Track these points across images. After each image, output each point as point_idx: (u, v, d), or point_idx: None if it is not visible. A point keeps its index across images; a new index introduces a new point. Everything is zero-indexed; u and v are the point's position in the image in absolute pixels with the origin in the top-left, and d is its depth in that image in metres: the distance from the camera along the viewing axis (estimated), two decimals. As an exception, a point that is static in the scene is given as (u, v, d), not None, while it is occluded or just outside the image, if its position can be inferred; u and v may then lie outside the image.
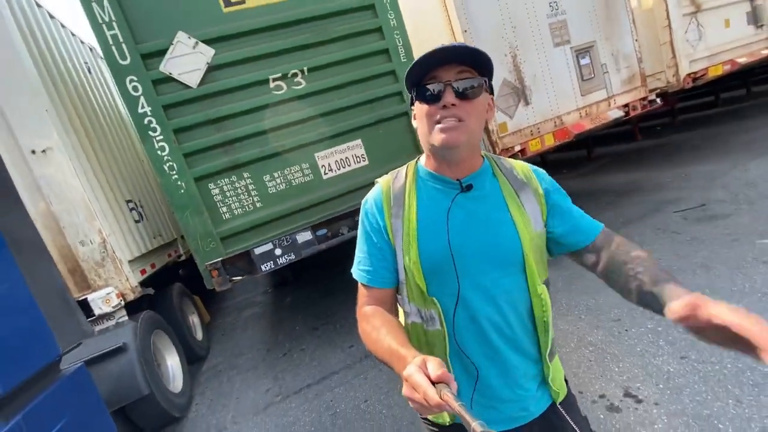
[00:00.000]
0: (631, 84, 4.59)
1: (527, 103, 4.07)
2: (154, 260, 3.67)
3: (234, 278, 2.95)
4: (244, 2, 3.03)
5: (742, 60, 5.07)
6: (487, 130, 3.98)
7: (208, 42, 2.93)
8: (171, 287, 3.96)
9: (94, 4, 2.67)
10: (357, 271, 0.89)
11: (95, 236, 2.80)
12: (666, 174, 5.04)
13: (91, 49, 4.31)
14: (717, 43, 5.10)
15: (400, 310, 0.93)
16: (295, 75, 3.15)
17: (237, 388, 3.22)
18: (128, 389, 2.48)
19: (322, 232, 3.14)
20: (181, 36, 2.86)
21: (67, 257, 2.72)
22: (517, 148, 3.92)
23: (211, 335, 4.63)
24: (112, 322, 2.74)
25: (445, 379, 0.54)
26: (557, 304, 2.83)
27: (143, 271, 3.27)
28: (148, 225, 3.83)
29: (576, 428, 0.87)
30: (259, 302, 5.49)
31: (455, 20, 3.76)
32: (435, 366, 0.56)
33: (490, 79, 0.80)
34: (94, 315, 2.68)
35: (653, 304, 0.70)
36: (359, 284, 0.89)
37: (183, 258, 4.51)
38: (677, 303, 0.62)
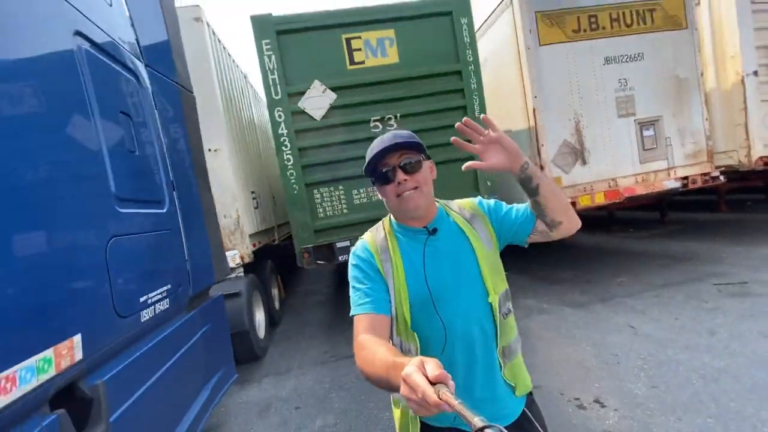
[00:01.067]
0: (696, 159, 4.86)
1: (584, 163, 4.61)
2: (260, 239, 4.84)
3: (318, 261, 3.93)
4: (363, 63, 4.11)
5: (827, 151, 5.02)
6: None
7: (333, 89, 4.04)
8: (266, 262, 5.10)
9: (265, 57, 3.92)
10: (357, 307, 0.96)
11: (233, 213, 3.98)
12: (729, 249, 5.10)
13: (245, 76, 5.79)
14: (802, 130, 5.11)
15: None
16: (390, 119, 4.14)
17: (302, 347, 4.16)
18: (238, 322, 3.54)
19: (388, 240, 4.01)
20: (316, 83, 4.00)
21: (214, 224, 3.92)
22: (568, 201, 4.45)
23: (284, 309, 5.71)
24: (233, 275, 3.86)
25: (443, 379, 0.55)
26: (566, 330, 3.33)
27: (254, 245, 4.41)
28: (260, 212, 5.04)
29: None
30: (324, 293, 6.52)
31: (529, 88, 4.49)
32: (433, 366, 0.57)
33: (425, 151, 1.01)
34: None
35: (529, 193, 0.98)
36: (356, 320, 0.94)
37: (276, 242, 5.69)
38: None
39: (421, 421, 0.99)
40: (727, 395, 2.24)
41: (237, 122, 4.82)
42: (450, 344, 0.95)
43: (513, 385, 1.01)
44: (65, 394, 1.35)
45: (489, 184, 4.32)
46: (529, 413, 1.03)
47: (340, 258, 3.96)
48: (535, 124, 4.52)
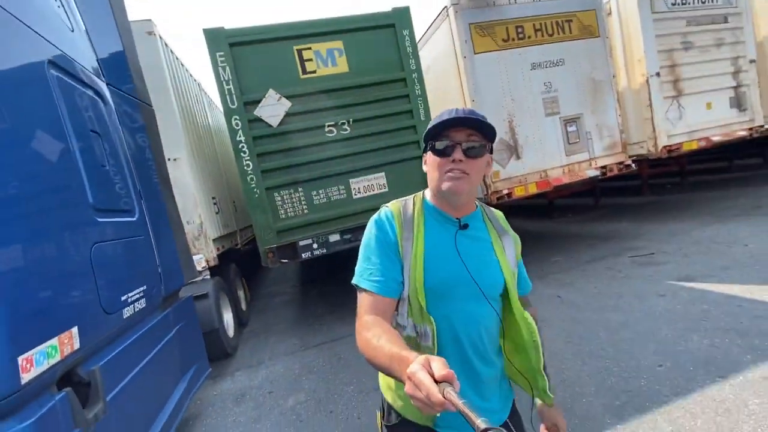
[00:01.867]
0: (612, 150, 5.60)
1: (518, 158, 5.18)
2: (224, 243, 4.99)
3: (282, 260, 4.19)
4: (315, 72, 4.40)
5: (717, 138, 5.95)
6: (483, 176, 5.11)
7: (288, 97, 4.30)
8: (230, 266, 5.26)
9: (219, 68, 4.11)
10: (365, 281, 0.91)
11: (196, 218, 4.14)
12: (645, 227, 5.91)
13: (198, 84, 5.87)
14: (697, 122, 6.01)
15: None
16: (343, 123, 4.46)
17: (271, 342, 4.40)
18: (208, 321, 3.73)
19: (347, 236, 4.34)
20: (271, 92, 4.24)
21: (177, 231, 4.05)
22: (505, 192, 5.01)
23: (251, 310, 5.88)
24: (200, 278, 4.03)
25: (449, 378, 0.54)
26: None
27: (218, 249, 4.58)
28: (222, 217, 5.18)
29: None
30: (289, 293, 6.73)
31: (467, 92, 4.99)
32: (439, 365, 0.56)
33: (492, 143, 0.95)
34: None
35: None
36: (362, 295, 0.91)
37: (239, 246, 5.84)
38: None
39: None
40: (624, 342, 2.79)
41: (194, 130, 4.94)
42: (456, 339, 0.93)
43: (550, 402, 1.05)
44: (67, 378, 1.58)
45: (436, 180, 4.75)
46: (510, 423, 1.05)
47: (303, 255, 4.23)
48: (475, 124, 5.02)
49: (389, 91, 4.60)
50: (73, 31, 2.34)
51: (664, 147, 5.82)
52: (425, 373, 0.55)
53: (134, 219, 2.42)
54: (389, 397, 1.02)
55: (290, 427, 2.61)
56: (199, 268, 3.96)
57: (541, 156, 5.26)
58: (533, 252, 5.85)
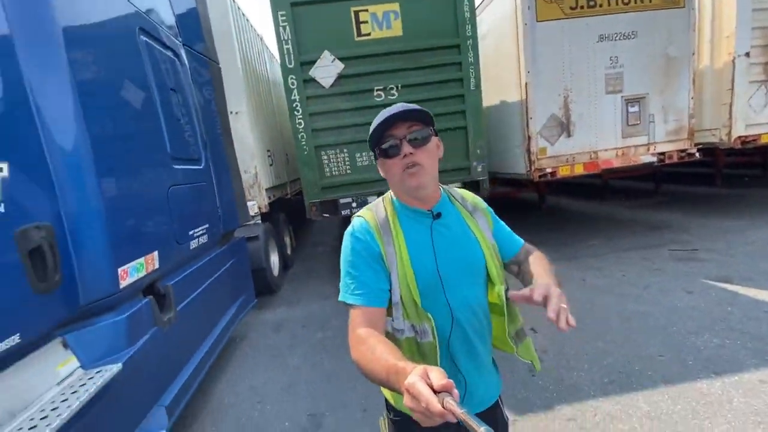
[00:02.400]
0: (677, 135, 5.21)
1: (569, 136, 5.02)
2: (275, 193, 5.48)
3: (324, 214, 4.58)
4: (369, 35, 4.49)
5: (807, 132, 5.29)
6: (528, 150, 5.05)
7: (341, 59, 4.46)
8: (279, 214, 5.79)
9: (280, 27, 4.33)
10: (350, 296, 0.91)
11: (252, 169, 4.60)
12: (699, 221, 5.57)
13: (261, 39, 6.15)
14: (786, 111, 5.35)
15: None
16: (391, 88, 4.57)
17: (310, 286, 4.93)
18: (257, 260, 4.28)
19: (385, 198, 4.61)
20: (326, 53, 4.43)
21: (235, 178, 4.55)
22: (548, 170, 4.94)
23: (295, 256, 6.48)
24: (252, 222, 4.55)
25: (448, 388, 0.54)
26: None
27: (270, 198, 5.07)
28: (275, 168, 5.64)
29: (506, 417, 1.10)
30: (330, 245, 7.26)
31: (523, 63, 4.83)
32: (438, 375, 0.56)
33: (434, 125, 0.95)
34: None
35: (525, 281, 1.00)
36: (350, 310, 0.90)
37: (288, 197, 6.35)
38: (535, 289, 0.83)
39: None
40: (633, 330, 2.89)
41: (255, 85, 5.30)
42: (450, 330, 0.95)
43: (531, 361, 1.05)
44: (149, 289, 2.05)
45: (478, 152, 4.79)
46: (500, 400, 1.09)
47: (342, 212, 4.59)
48: (526, 97, 4.90)
49: (441, 57, 4.59)
50: (157, -4, 2.66)
51: (739, 137, 5.30)
52: (423, 384, 0.55)
53: (201, 167, 2.84)
54: (388, 395, 1.04)
55: (317, 355, 3.09)
56: (252, 213, 4.47)
57: (594, 136, 5.05)
58: (571, 233, 5.79)
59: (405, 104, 0.91)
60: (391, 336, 0.96)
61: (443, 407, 0.52)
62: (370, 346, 0.78)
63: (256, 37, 5.96)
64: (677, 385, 2.22)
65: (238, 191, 3.75)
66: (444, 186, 1.06)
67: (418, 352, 0.94)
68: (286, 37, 4.35)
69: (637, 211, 6.89)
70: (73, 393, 1.39)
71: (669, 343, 2.66)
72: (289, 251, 6.07)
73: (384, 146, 0.92)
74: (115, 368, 1.56)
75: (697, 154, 5.25)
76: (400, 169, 0.91)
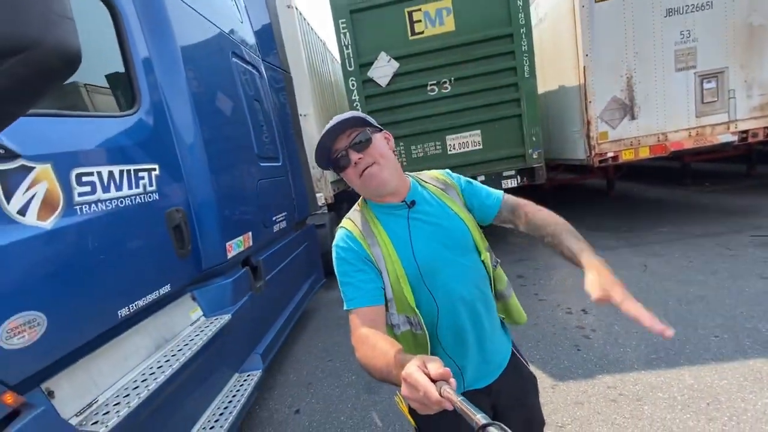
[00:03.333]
0: (762, 111, 4.74)
1: (633, 118, 4.83)
2: (338, 186, 5.99)
3: (383, 203, 4.97)
4: (423, 33, 4.74)
5: None
6: (587, 135, 4.95)
7: (397, 58, 4.77)
8: (343, 204, 6.30)
9: (341, 34, 4.75)
10: (349, 302, 0.94)
11: (319, 164, 5.12)
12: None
13: (323, 44, 6.68)
14: None
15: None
16: (444, 82, 4.79)
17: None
18: (325, 245, 4.81)
19: (440, 187, 4.87)
20: (382, 54, 4.77)
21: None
22: (610, 155, 4.82)
23: (358, 243, 6.99)
24: (320, 211, 5.10)
25: (445, 377, 0.56)
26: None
27: (334, 190, 5.58)
28: (338, 163, 6.15)
29: (528, 366, 1.13)
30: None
31: (581, 46, 4.75)
32: (435, 364, 0.58)
33: (371, 123, 0.97)
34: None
35: (570, 262, 0.96)
36: (350, 315, 0.93)
37: (350, 189, 6.84)
38: (591, 288, 0.80)
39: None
40: (691, 313, 2.86)
41: (320, 88, 5.82)
42: (453, 310, 0.96)
43: (502, 317, 1.10)
44: (245, 262, 2.58)
45: (534, 138, 4.82)
46: (516, 350, 1.13)
47: (400, 201, 4.94)
48: (584, 81, 4.80)
49: (494, 47, 4.70)
50: (242, 22, 3.19)
51: None
52: (421, 373, 0.57)
53: (279, 164, 3.35)
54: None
55: (377, 328, 3.49)
56: (320, 204, 5.00)
57: (663, 117, 4.79)
58: (638, 220, 5.55)
59: (338, 117, 0.95)
60: (391, 332, 1.00)
61: (441, 395, 0.53)
62: (371, 344, 0.81)
63: (319, 42, 6.49)
64: (728, 363, 2.24)
65: (308, 185, 4.27)
66: (410, 174, 1.09)
67: (415, 345, 0.98)
68: (346, 42, 4.78)
69: (721, 196, 6.31)
70: (201, 332, 1.91)
71: (728, 325, 2.62)
72: (352, 239, 6.59)
73: (335, 162, 0.97)
74: (226, 317, 2.07)
75: (789, 131, 4.73)
76: (357, 176, 0.95)
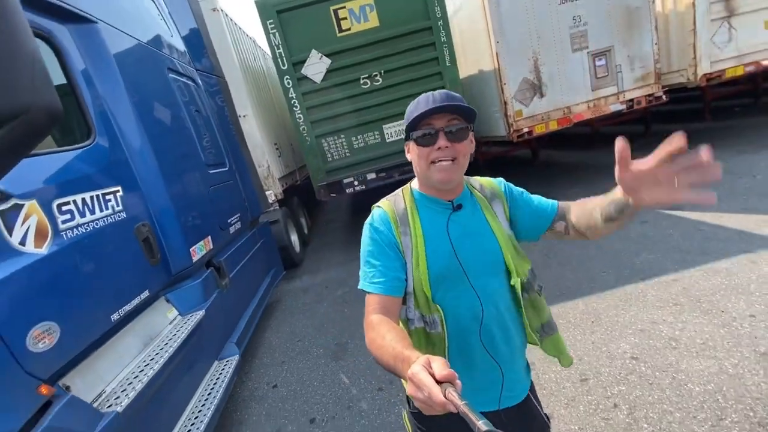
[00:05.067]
0: (644, 81, 5.63)
1: (542, 96, 5.51)
2: (287, 181, 6.20)
3: (332, 194, 5.29)
4: (350, 29, 5.02)
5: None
6: (505, 114, 5.58)
7: (328, 54, 5.02)
8: (293, 198, 6.53)
9: (270, 34, 4.90)
10: (368, 284, 0.93)
11: (264, 163, 5.30)
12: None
13: (253, 41, 6.70)
14: (751, 44, 5.66)
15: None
16: (375, 75, 5.14)
17: (327, 256, 5.72)
18: (280, 239, 5.06)
19: (382, 174, 5.27)
20: (313, 52, 5.00)
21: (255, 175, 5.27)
22: (525, 130, 5.48)
23: (312, 234, 7.28)
24: (272, 208, 5.31)
25: (450, 378, 0.55)
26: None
27: (283, 186, 5.79)
28: (283, 159, 6.33)
29: (543, 414, 1.06)
30: (341, 220, 8.01)
31: (491, 34, 5.29)
32: (440, 365, 0.57)
33: (473, 123, 0.94)
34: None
35: (612, 207, 0.84)
36: (367, 297, 0.92)
37: (299, 183, 7.07)
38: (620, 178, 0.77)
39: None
40: (590, 258, 3.55)
41: (255, 87, 5.92)
42: (464, 325, 0.94)
43: (557, 357, 1.04)
44: (209, 264, 2.82)
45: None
46: (531, 394, 1.05)
47: (347, 190, 5.29)
48: (498, 65, 5.38)
49: (416, 40, 5.10)
50: (172, 36, 3.31)
51: (704, 75, 5.67)
52: (426, 374, 0.56)
53: (226, 169, 3.56)
54: (406, 387, 1.04)
55: (339, 306, 3.89)
56: (270, 201, 5.22)
57: (566, 93, 5.52)
58: (557, 183, 6.37)
59: (449, 94, 0.90)
60: (405, 325, 0.99)
61: (445, 397, 0.53)
62: (381, 332, 0.80)
63: (249, 40, 6.51)
64: (609, 290, 2.91)
65: (256, 184, 4.49)
66: (464, 177, 1.05)
67: (427, 343, 0.96)
68: (276, 42, 4.94)
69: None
70: (180, 328, 2.18)
71: (613, 263, 3.32)
72: (305, 230, 6.86)
73: (419, 133, 0.91)
74: (200, 313, 2.35)
75: (664, 97, 5.67)
76: (429, 160, 0.91)
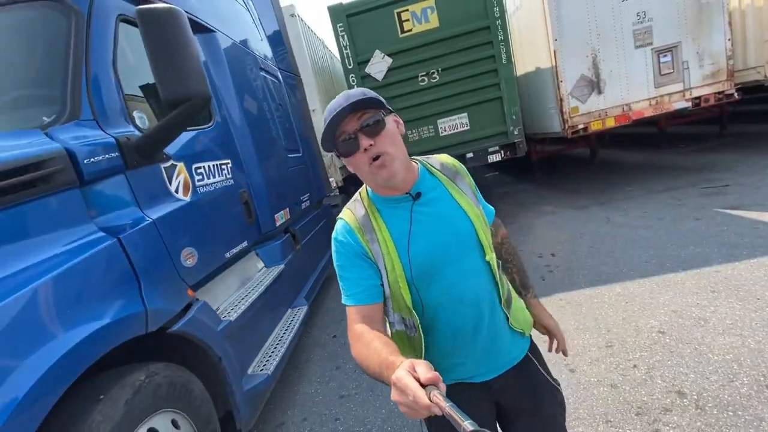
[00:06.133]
0: (714, 78, 5.41)
1: (600, 93, 5.52)
2: (345, 171, 6.76)
3: (386, 182, 5.74)
4: (411, 30, 5.42)
5: None
6: (561, 111, 5.66)
7: (390, 54, 5.47)
8: (351, 188, 7.09)
9: (340, 36, 5.45)
10: (346, 297, 0.93)
11: (328, 154, 5.88)
12: (749, 159, 5.70)
13: (322, 43, 7.35)
14: None
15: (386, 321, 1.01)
16: (433, 73, 5.49)
17: (380, 241, 6.19)
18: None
19: (434, 165, 5.62)
20: (377, 52, 5.47)
21: (317, 160, 5.89)
22: (581, 126, 5.53)
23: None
24: (333, 193, 5.88)
25: (435, 381, 0.56)
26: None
27: (343, 175, 6.35)
28: (344, 150, 6.90)
29: (549, 377, 1.08)
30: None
31: (550, 32, 5.41)
32: (424, 369, 0.58)
33: (384, 105, 0.89)
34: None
35: (523, 285, 1.18)
36: (348, 309, 0.92)
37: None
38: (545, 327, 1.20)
39: None
40: (635, 248, 3.64)
41: (323, 84, 6.54)
42: (454, 311, 0.93)
43: (521, 330, 1.04)
44: (286, 230, 3.38)
45: (514, 117, 5.53)
46: (530, 355, 1.07)
47: (401, 179, 5.71)
48: (555, 63, 5.47)
49: (474, 39, 5.38)
50: (262, 40, 3.93)
51: (785, 71, 5.32)
52: (410, 378, 0.57)
53: (300, 155, 4.13)
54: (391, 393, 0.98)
55: (389, 282, 4.32)
56: (333, 186, 5.80)
57: (626, 89, 5.48)
58: (612, 182, 6.29)
59: (347, 94, 0.86)
60: (389, 327, 1.00)
61: (430, 400, 0.54)
62: (365, 341, 0.81)
63: (319, 42, 7.16)
64: (648, 277, 3.04)
65: (322, 170, 5.06)
66: (419, 158, 1.04)
67: (409, 345, 0.97)
68: (345, 44, 5.47)
69: (690, 156, 7.00)
70: (267, 275, 2.73)
71: (658, 254, 3.41)
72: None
73: (342, 145, 0.88)
74: (281, 266, 2.90)
75: (736, 95, 5.40)
76: (366, 164, 0.87)
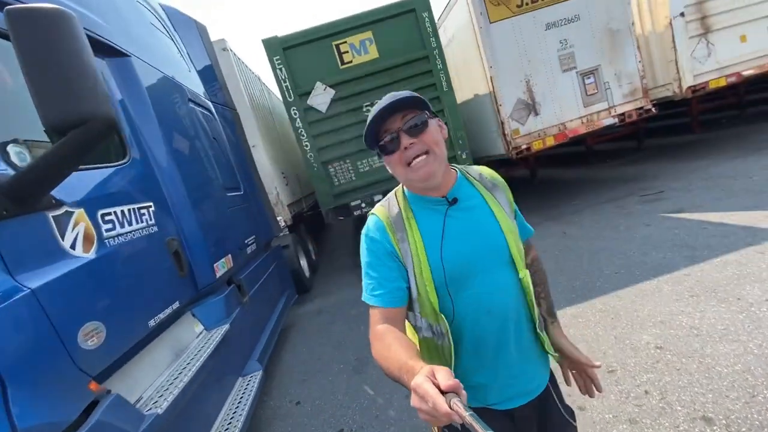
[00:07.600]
0: (633, 96, 5.90)
1: (537, 114, 5.76)
2: (294, 208, 6.32)
3: (339, 217, 5.39)
4: (351, 62, 5.32)
5: (749, 72, 5.92)
6: (503, 134, 5.80)
7: (332, 86, 5.30)
8: (300, 225, 6.63)
9: (277, 69, 5.19)
10: (369, 296, 0.91)
11: (274, 190, 5.44)
12: (673, 166, 6.22)
13: (258, 78, 7.05)
14: (729, 57, 6.00)
15: (409, 327, 0.99)
16: (377, 102, 5.38)
17: (336, 280, 5.74)
18: (291, 263, 5.11)
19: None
20: (318, 84, 5.27)
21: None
22: (524, 146, 5.68)
23: (319, 260, 7.31)
24: (282, 233, 5.39)
25: (455, 389, 0.54)
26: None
27: (291, 212, 5.90)
28: (290, 187, 6.49)
29: (564, 413, 1.03)
30: (347, 248, 8.07)
31: (485, 61, 5.60)
32: (445, 375, 0.56)
33: (429, 108, 0.89)
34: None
35: (548, 312, 1.10)
36: (370, 309, 0.90)
37: (305, 211, 7.19)
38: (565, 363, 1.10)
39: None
40: (599, 260, 3.60)
41: (262, 118, 6.17)
42: (479, 322, 0.90)
43: (555, 355, 1.03)
44: (229, 281, 2.87)
45: (460, 142, 5.55)
46: (551, 387, 1.03)
47: (354, 213, 5.40)
48: (493, 89, 5.65)
49: (414, 68, 5.40)
50: (190, 71, 3.53)
51: (689, 87, 5.96)
52: (430, 384, 0.56)
53: (241, 193, 3.68)
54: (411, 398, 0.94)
55: (354, 324, 3.88)
56: (281, 225, 5.31)
57: (559, 110, 5.78)
58: (557, 198, 6.50)
59: (393, 94, 0.88)
60: (413, 334, 0.98)
61: (450, 408, 0.52)
62: (386, 343, 0.79)
63: (255, 77, 6.85)
64: (625, 289, 2.95)
65: (268, 208, 4.60)
66: (457, 166, 1.02)
67: (436, 352, 0.93)
68: (283, 77, 5.22)
69: (617, 169, 7.54)
70: (208, 341, 2.21)
71: (625, 263, 3.38)
72: (313, 256, 6.90)
73: (382, 143, 0.89)
74: (225, 327, 2.38)
75: (653, 109, 5.92)
76: (404, 164, 0.87)
